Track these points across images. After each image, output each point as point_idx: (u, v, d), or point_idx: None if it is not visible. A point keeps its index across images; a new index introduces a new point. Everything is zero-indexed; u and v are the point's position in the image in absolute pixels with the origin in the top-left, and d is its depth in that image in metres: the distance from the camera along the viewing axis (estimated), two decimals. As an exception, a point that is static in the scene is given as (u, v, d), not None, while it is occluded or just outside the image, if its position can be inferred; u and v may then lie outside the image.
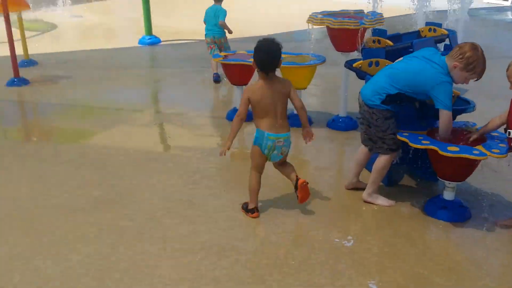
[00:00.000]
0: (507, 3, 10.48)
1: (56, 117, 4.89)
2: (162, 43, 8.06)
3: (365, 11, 4.32)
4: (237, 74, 4.45)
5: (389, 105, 2.94)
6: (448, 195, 2.93)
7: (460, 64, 2.75)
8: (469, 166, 2.78)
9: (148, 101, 5.60)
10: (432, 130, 2.99)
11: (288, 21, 9.42)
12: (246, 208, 3.01)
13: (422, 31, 4.93)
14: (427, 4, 5.89)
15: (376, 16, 3.91)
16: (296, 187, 2.90)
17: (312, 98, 4.77)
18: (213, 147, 4.03)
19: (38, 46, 7.65)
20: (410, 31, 5.04)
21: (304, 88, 4.37)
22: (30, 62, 6.77)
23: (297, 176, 2.94)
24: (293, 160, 3.23)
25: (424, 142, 2.77)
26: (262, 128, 2.88)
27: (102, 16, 10.75)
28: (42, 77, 6.22)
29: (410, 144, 2.81)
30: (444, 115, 2.79)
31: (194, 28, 9.12)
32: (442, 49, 4.83)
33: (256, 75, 2.99)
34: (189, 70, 6.54)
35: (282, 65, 3.04)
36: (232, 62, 4.37)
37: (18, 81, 5.90)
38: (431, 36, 4.66)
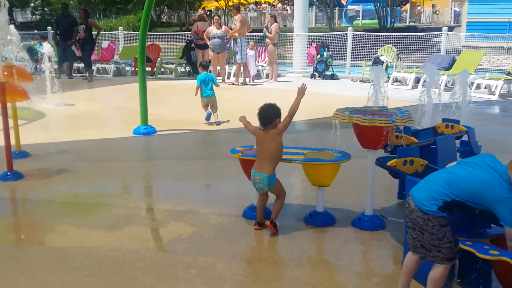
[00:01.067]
0: (494, 97, 10.84)
1: (56, 216, 4.52)
2: (157, 133, 7.86)
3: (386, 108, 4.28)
4: (256, 170, 4.25)
5: (445, 212, 2.75)
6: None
7: None
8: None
9: (154, 196, 5.29)
10: (494, 237, 2.79)
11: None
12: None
13: (439, 127, 4.90)
14: (438, 98, 5.95)
15: (404, 114, 3.83)
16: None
17: (333, 194, 4.56)
18: (235, 250, 3.73)
19: (27, 136, 7.35)
20: (426, 127, 5.02)
21: (328, 185, 4.18)
22: (22, 153, 6.44)
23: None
24: (327, 265, 3.00)
25: (492, 252, 2.56)
26: (254, 167, 3.94)
27: (93, 104, 10.61)
28: (36, 170, 5.88)
29: (477, 254, 2.59)
30: (510, 232, 2.62)
31: (186, 117, 9.08)
32: (459, 145, 4.79)
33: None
34: (192, 161, 6.34)
35: (306, 161, 4.12)
36: (252, 158, 4.18)
37: (11, 175, 5.55)
38: (451, 133, 4.62)
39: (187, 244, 3.86)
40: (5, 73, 5.51)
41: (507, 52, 18.50)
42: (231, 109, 10.01)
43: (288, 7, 34.82)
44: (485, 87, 11.79)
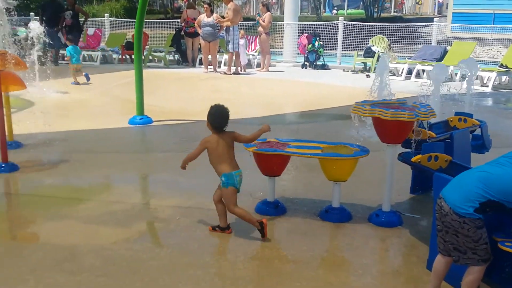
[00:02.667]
0: (488, 89, 10.85)
1: (59, 211, 4.33)
2: (154, 123, 7.65)
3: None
4: (272, 164, 4.11)
5: (481, 213, 2.66)
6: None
7: None
8: None
9: (159, 191, 5.08)
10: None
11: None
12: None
13: (451, 120, 4.82)
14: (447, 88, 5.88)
15: (427, 108, 3.73)
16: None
17: (349, 189, 4.44)
18: (253, 248, 3.61)
19: (18, 125, 7.08)
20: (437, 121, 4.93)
21: (344, 181, 4.07)
22: (15, 144, 6.18)
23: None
24: (350, 263, 3.18)
25: (537, 254, 2.48)
26: (227, 170, 3.64)
27: (84, 93, 10.30)
28: (31, 162, 5.66)
29: (522, 256, 2.51)
30: None
31: (182, 107, 8.88)
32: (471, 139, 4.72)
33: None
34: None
35: (321, 156, 3.96)
36: (268, 153, 4.04)
37: (6, 166, 5.31)
38: (466, 127, 4.55)
39: (202, 242, 3.72)
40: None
41: (492, 43, 18.62)
42: (231, 99, 9.83)
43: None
44: (477, 79, 11.80)
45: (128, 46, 15.34)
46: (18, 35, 14.32)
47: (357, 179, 4.65)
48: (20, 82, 5.40)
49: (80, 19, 13.35)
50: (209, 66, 12.84)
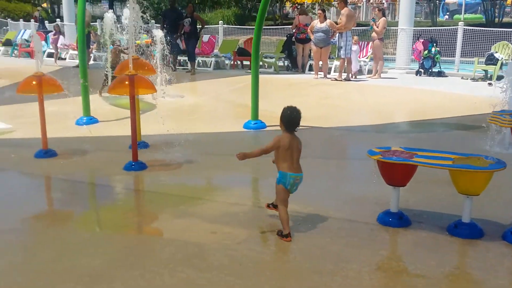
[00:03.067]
0: None
1: (185, 209, 4.53)
2: (267, 128, 7.77)
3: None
4: (397, 174, 3.98)
5: None
6: None
7: None
8: None
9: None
10: None
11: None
12: (281, 234, 3.78)
13: None
14: None
15: None
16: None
17: (480, 204, 4.18)
18: (377, 259, 3.51)
19: (143, 127, 7.56)
20: None
21: (477, 195, 3.83)
22: (142, 144, 6.60)
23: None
24: (485, 284, 2.92)
25: None
26: (285, 170, 3.85)
27: (199, 97, 10.78)
28: (158, 161, 5.99)
29: None
30: None
31: (305, 115, 8.90)
32: None
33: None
34: (312, 159, 6.15)
35: (454, 167, 3.73)
36: (394, 161, 3.92)
37: (136, 165, 5.68)
38: None
39: (324, 249, 3.68)
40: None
41: None
42: (341, 106, 9.78)
43: (384, 1, 33.71)
44: None
45: (240, 52, 15.79)
46: (141, 41, 15.38)
47: (489, 194, 4.36)
48: (151, 86, 5.74)
49: (197, 26, 13.97)
50: (319, 72, 12.80)
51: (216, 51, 16.58)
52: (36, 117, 8.44)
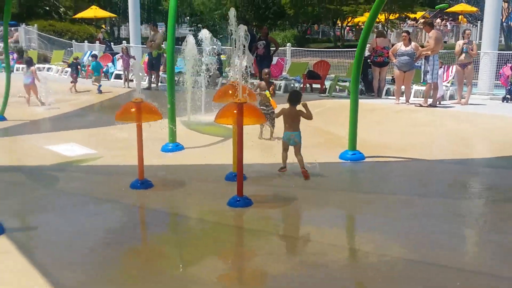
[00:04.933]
0: None
1: (310, 260, 4.01)
2: (366, 159, 7.19)
3: None
4: None
5: None
6: None
7: None
8: None
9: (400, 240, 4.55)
10: None
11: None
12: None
13: None
14: None
15: None
16: (302, 173, 6.10)
17: None
18: None
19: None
20: None
21: None
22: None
23: (302, 167, 6.13)
24: None
25: None
26: (285, 130, 6.18)
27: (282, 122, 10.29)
28: (260, 196, 5.50)
29: None
30: None
31: (385, 141, 8.32)
32: None
33: None
34: (427, 199, 5.53)
35: None
36: None
37: (241, 200, 5.19)
38: None
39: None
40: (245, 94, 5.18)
41: None
42: (437, 134, 9.07)
43: (448, 23, 32.67)
44: None
45: (310, 75, 15.34)
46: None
47: None
48: (260, 115, 5.30)
49: (271, 48, 13.63)
50: (400, 97, 12.14)
51: (284, 73, 16.19)
52: (121, 142, 8.26)
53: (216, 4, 40.49)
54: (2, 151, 7.87)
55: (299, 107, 6.20)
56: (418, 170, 6.90)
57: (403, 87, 12.09)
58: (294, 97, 6.26)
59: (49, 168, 6.73)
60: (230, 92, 6.22)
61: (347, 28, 39.49)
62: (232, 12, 6.17)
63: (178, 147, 7.74)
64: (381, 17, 29.09)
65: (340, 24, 32.38)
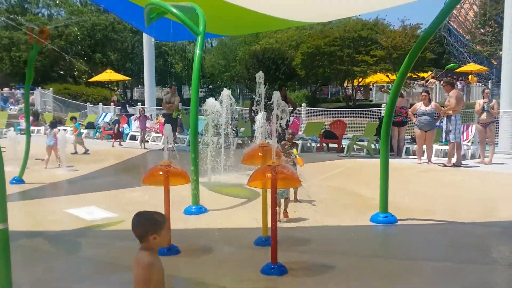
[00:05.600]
0: None
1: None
2: (398, 222, 6.90)
3: None
4: None
5: None
6: None
7: None
8: None
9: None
10: None
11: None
12: None
13: None
14: None
15: None
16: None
17: None
18: None
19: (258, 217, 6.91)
20: None
21: None
22: (269, 240, 5.90)
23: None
24: None
25: None
26: None
27: (306, 183, 10.04)
28: (294, 263, 5.21)
29: None
30: None
31: (413, 203, 8.04)
32: None
33: None
34: (476, 265, 5.21)
35: None
36: None
37: (277, 268, 4.91)
38: None
39: None
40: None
41: None
42: (469, 196, 8.75)
43: (458, 82, 32.93)
44: None
45: (327, 135, 15.27)
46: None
47: None
48: (295, 178, 5.09)
49: (289, 108, 13.63)
50: (422, 157, 11.95)
51: (301, 133, 16.13)
52: (141, 204, 8.03)
53: (225, 67, 41.39)
54: (22, 215, 7.65)
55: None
56: (453, 234, 6.59)
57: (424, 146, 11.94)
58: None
59: (71, 233, 6.50)
60: (260, 154, 6.08)
61: (357, 88, 40.03)
62: (259, 75, 6.17)
63: (201, 210, 7.51)
64: (392, 77, 29.43)
65: (351, 84, 32.73)
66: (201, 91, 46.02)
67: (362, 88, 41.38)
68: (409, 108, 12.98)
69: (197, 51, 7.67)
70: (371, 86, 39.88)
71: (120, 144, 16.43)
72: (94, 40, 38.33)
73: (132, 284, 2.84)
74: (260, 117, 9.82)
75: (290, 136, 9.04)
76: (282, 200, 6.90)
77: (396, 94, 6.94)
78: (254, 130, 13.63)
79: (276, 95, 5.26)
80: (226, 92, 10.37)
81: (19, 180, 9.99)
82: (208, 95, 43.41)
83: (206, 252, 5.72)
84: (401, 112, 13.02)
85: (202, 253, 5.70)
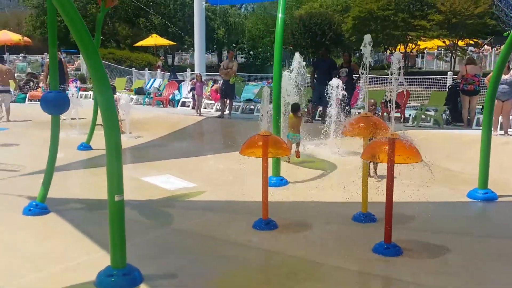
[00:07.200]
0: None
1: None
2: (499, 199, 6.44)
3: None
4: None
5: None
6: None
7: None
8: None
9: None
10: None
11: None
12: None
13: None
14: None
15: None
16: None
17: None
18: None
19: (347, 192, 6.55)
20: None
21: None
22: (368, 216, 5.55)
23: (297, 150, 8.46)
24: None
25: None
26: (289, 132, 8.35)
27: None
28: (405, 242, 4.88)
29: None
30: None
31: (501, 177, 7.51)
32: None
33: None
34: None
35: None
36: None
37: (392, 248, 4.59)
38: None
39: None
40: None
41: None
42: None
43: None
44: None
45: (387, 104, 14.67)
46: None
47: None
48: (416, 153, 4.69)
49: (354, 75, 13.10)
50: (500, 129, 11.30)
51: (360, 102, 15.56)
52: (216, 174, 7.84)
53: (263, 32, 40.53)
54: (100, 184, 7.52)
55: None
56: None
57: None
58: (295, 107, 8.48)
59: (157, 204, 6.31)
60: (362, 125, 5.66)
61: (402, 54, 38.51)
62: (367, 37, 5.70)
63: (282, 182, 7.21)
64: (448, 42, 28.11)
65: (404, 50, 31.33)
66: (241, 57, 45.50)
67: (409, 54, 39.88)
68: (482, 76, 12.27)
69: (279, 15, 7.25)
70: (421, 53, 38.28)
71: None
72: (138, 3, 38.01)
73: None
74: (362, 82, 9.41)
75: (373, 107, 8.61)
76: (294, 144, 8.41)
77: (501, 70, 6.38)
78: (317, 98, 13.20)
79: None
80: (298, 56, 9.90)
81: (86, 146, 9.90)
82: (250, 61, 42.77)
83: (304, 228, 5.42)
84: (473, 80, 12.31)
85: (300, 228, 5.41)
